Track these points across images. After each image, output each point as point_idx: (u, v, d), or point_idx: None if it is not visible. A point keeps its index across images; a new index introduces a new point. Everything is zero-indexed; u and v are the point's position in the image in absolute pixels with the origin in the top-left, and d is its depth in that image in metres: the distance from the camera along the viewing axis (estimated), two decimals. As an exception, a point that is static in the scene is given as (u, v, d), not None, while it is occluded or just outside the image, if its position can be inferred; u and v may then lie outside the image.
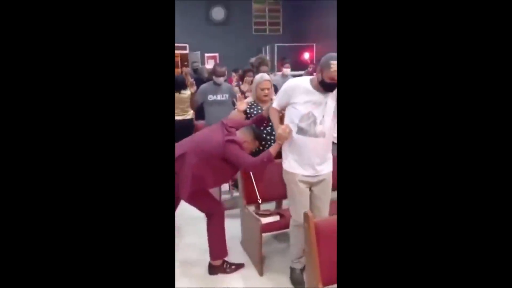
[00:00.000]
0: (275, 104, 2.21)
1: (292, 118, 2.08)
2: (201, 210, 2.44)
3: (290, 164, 2.16)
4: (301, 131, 2.05)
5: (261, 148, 2.61)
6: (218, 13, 10.46)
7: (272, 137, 2.67)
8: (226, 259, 2.51)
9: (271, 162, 2.16)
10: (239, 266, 2.53)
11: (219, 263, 2.47)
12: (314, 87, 2.02)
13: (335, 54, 1.89)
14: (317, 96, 2.00)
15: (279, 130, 2.09)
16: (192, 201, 2.32)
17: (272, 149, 2.15)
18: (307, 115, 2.01)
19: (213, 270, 2.48)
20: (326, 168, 2.17)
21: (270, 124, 2.59)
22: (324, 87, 1.98)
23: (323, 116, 2.02)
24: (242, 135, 2.29)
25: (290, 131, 2.07)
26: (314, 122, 2.01)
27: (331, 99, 2.02)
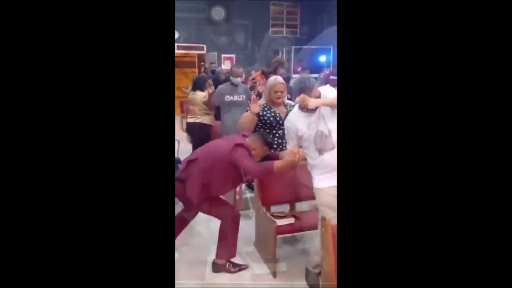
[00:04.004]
0: (290, 146, 2.24)
1: (308, 147, 2.12)
2: (215, 216, 2.49)
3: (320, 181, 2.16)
4: (320, 151, 2.07)
5: (272, 150, 2.62)
6: (217, 13, 10.40)
7: (284, 141, 2.66)
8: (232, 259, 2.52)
9: (271, 175, 2.29)
10: (243, 267, 2.53)
11: (223, 262, 2.48)
12: (304, 111, 2.09)
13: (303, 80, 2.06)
14: (312, 115, 2.06)
15: (288, 156, 2.14)
16: (203, 209, 2.41)
17: (278, 163, 2.19)
18: (318, 136, 2.04)
19: (216, 268, 2.49)
20: None
21: (282, 127, 2.59)
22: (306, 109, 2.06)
23: (329, 128, 2.04)
24: (251, 142, 2.35)
25: (300, 157, 2.12)
26: (326, 137, 2.03)
27: (323, 109, 2.05)
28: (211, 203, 2.41)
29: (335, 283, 1.60)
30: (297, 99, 2.05)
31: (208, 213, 2.46)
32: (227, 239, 2.45)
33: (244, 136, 2.43)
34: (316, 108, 2.05)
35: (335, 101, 1.99)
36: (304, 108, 2.07)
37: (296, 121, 2.14)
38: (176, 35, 9.15)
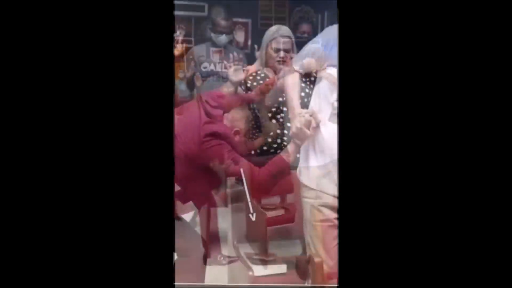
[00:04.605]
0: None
1: (294, 119, 1.91)
2: (191, 198, 2.44)
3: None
4: (305, 126, 1.86)
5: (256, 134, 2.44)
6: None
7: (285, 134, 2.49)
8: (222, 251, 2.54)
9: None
10: (234, 259, 2.55)
11: (213, 255, 2.50)
12: (303, 80, 1.92)
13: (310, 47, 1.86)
14: (310, 88, 1.94)
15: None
16: (185, 185, 2.31)
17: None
18: (307, 113, 1.84)
19: (207, 260, 2.51)
20: None
21: (282, 111, 2.43)
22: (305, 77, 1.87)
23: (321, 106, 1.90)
24: (236, 115, 2.03)
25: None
26: (313, 112, 1.84)
27: (322, 86, 1.88)
28: (192, 181, 2.32)
29: (323, 269, 1.65)
30: (306, 60, 1.86)
31: (187, 191, 2.37)
32: (206, 233, 2.48)
33: (214, 107, 2.04)
34: (317, 82, 1.91)
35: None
36: (308, 74, 1.91)
37: (293, 86, 1.88)
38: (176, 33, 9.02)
